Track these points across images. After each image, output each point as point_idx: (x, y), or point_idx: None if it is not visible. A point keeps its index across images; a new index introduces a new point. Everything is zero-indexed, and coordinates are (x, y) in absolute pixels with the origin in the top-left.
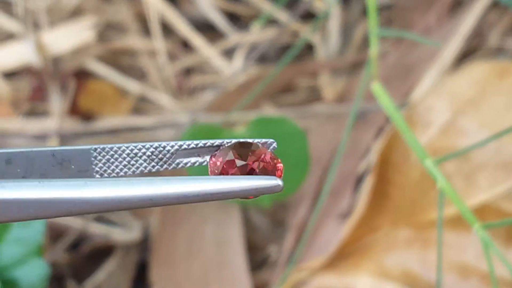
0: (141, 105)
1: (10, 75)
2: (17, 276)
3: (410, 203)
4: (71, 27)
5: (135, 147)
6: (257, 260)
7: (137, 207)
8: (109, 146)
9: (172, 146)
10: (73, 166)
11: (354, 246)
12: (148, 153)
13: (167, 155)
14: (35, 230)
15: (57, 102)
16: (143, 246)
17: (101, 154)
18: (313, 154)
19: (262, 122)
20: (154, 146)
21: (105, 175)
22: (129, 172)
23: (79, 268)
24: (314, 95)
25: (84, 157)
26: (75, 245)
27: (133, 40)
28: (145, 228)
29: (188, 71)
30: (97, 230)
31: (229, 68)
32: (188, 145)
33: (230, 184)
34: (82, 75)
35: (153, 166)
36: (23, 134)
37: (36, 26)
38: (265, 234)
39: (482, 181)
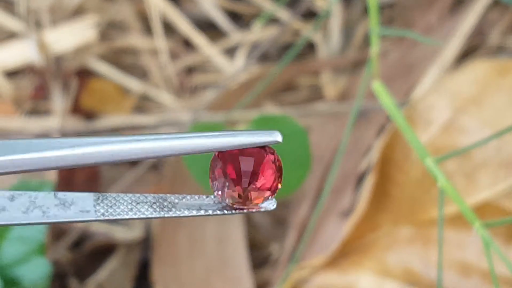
0: (143, 104)
1: (12, 74)
2: (19, 275)
3: (411, 201)
4: (73, 26)
5: (137, 196)
6: (259, 258)
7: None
8: (111, 194)
9: (175, 198)
10: (75, 206)
11: (355, 244)
12: (149, 201)
13: (169, 205)
14: (37, 229)
15: (59, 101)
16: (145, 244)
17: (103, 200)
18: (315, 153)
19: (263, 121)
20: (156, 197)
21: (107, 216)
22: (129, 216)
23: (81, 266)
24: (316, 94)
25: (85, 200)
26: (77, 244)
27: (135, 39)
28: (147, 227)
29: (189, 70)
30: (99, 228)
31: (231, 66)
32: (191, 197)
33: (230, 139)
34: (84, 74)
35: (153, 212)
36: (25, 132)
37: (38, 25)
38: (266, 232)
39: (483, 180)
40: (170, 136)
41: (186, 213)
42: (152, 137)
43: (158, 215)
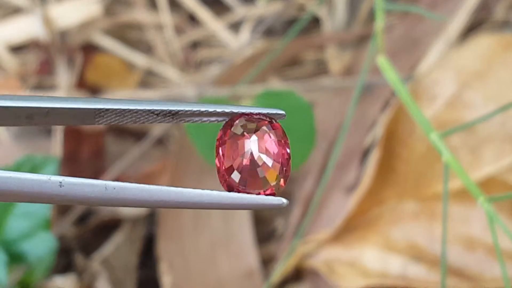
0: (148, 79)
1: (18, 49)
2: (25, 250)
3: (416, 176)
4: (78, 1)
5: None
6: (264, 233)
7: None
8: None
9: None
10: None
11: (360, 219)
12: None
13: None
14: (42, 204)
15: (64, 76)
16: (150, 219)
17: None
18: (320, 127)
19: (268, 96)
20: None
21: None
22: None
23: (86, 241)
24: (321, 69)
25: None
26: (83, 219)
27: (140, 14)
28: None
29: (195, 45)
30: None
31: (236, 41)
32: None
33: (237, 110)
34: (89, 49)
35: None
36: None
37: (43, 0)
38: None
39: (487, 154)
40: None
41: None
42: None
43: (169, 200)
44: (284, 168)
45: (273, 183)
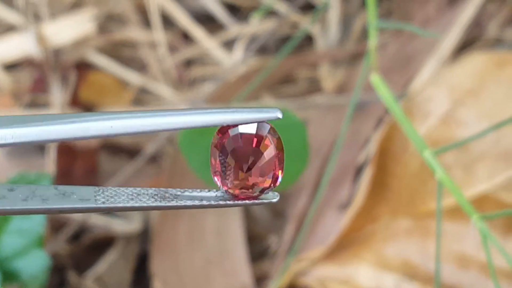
0: (141, 97)
1: (11, 66)
2: (18, 267)
3: (410, 194)
4: (72, 19)
5: (138, 189)
6: (258, 251)
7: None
8: (111, 187)
9: (176, 191)
10: (75, 196)
11: (353, 236)
12: (150, 193)
13: (170, 197)
14: (36, 221)
15: (58, 94)
16: (144, 237)
17: (103, 192)
18: (313, 145)
19: None
20: (157, 190)
21: (107, 205)
22: (130, 205)
23: (80, 259)
24: (314, 86)
25: (85, 191)
26: (76, 236)
27: (134, 32)
28: (146, 219)
29: (188, 63)
30: (98, 221)
31: (229, 59)
32: (193, 190)
33: (232, 116)
34: (83, 67)
35: (154, 202)
36: None
37: (36, 18)
38: (265, 225)
39: (481, 172)
40: (170, 112)
41: (188, 203)
42: (152, 112)
43: (159, 205)
44: (277, 172)
45: (267, 185)
